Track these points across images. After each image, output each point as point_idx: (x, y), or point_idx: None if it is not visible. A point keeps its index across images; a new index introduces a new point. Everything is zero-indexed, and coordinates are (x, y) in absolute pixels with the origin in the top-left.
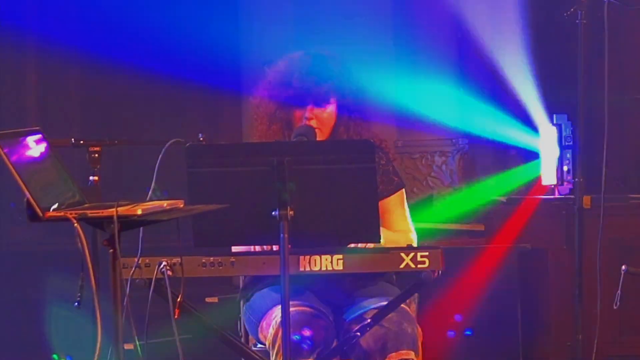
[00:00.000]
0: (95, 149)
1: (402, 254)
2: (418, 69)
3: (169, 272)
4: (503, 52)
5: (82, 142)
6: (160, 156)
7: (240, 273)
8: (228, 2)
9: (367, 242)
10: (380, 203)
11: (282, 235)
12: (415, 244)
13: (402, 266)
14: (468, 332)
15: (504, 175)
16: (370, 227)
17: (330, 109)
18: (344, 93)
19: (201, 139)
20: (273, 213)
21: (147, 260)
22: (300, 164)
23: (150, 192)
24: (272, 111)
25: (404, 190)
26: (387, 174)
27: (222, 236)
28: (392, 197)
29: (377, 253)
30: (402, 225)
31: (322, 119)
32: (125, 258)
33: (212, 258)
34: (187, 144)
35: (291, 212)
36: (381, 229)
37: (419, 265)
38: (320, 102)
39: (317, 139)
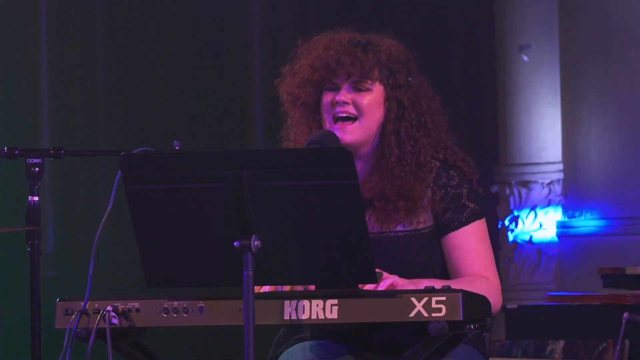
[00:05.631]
0: (36, 161)
1: (413, 299)
2: None
3: (116, 321)
4: None
5: (17, 152)
6: (120, 172)
7: (210, 323)
8: None
9: (358, 284)
10: (444, 239)
11: (245, 272)
12: (493, 294)
13: (411, 315)
14: None
15: None
16: (360, 264)
17: (374, 96)
18: (396, 80)
19: (177, 148)
20: (235, 244)
21: (96, 305)
22: (263, 179)
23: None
24: (293, 91)
25: (483, 220)
26: (457, 198)
27: (176, 275)
28: (462, 230)
29: (382, 298)
30: (474, 267)
31: (361, 106)
32: (70, 301)
33: (175, 303)
34: (121, 154)
35: (257, 243)
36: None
37: (433, 314)
38: (360, 80)
39: (354, 139)
